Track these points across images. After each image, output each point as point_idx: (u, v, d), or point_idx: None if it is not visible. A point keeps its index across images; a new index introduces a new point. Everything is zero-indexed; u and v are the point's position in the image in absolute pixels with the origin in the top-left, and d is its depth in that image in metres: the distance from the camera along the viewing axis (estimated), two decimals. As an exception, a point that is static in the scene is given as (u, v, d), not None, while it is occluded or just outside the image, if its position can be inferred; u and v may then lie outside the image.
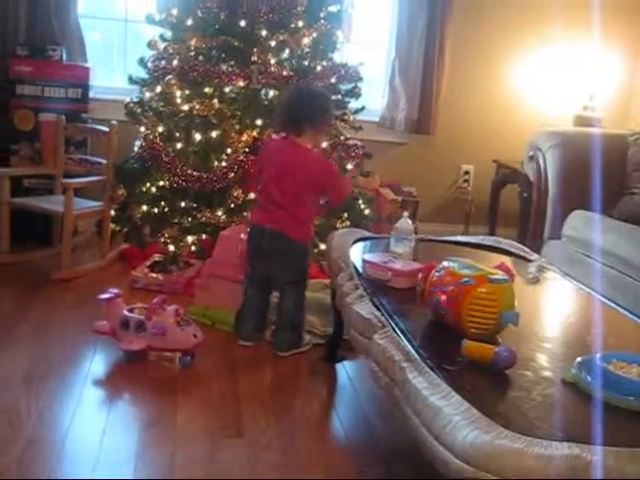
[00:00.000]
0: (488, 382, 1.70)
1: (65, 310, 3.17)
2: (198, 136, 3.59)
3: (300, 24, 3.69)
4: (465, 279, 1.93)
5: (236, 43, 3.63)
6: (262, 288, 2.98)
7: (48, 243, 3.96)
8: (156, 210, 3.65)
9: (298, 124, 2.83)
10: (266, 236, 2.85)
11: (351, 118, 3.89)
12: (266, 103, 3.64)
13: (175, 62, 3.61)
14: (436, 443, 1.48)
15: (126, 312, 2.76)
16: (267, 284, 2.98)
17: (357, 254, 2.62)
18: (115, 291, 2.82)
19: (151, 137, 3.57)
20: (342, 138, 3.83)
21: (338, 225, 3.68)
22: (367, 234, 3.00)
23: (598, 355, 1.71)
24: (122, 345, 2.70)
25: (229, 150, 3.55)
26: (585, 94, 4.69)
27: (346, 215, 3.77)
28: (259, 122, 3.57)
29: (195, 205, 3.61)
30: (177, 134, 3.63)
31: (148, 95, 3.74)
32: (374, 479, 2.12)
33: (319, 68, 3.72)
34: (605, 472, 1.33)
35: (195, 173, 3.51)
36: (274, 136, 3.27)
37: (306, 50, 3.75)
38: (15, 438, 2.11)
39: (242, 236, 3.10)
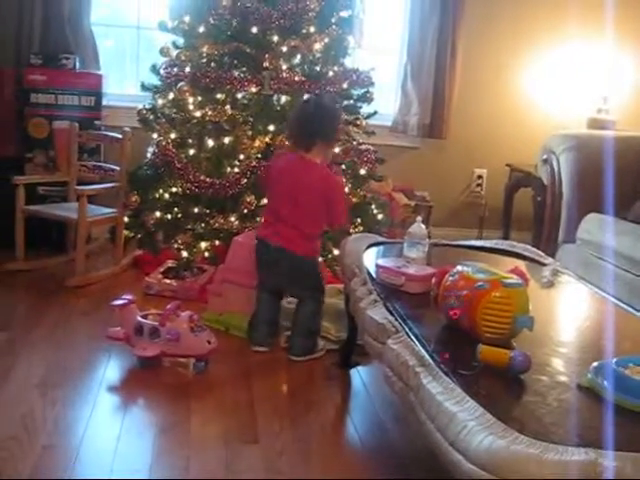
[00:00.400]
0: (503, 387, 1.69)
1: (79, 316, 3.18)
2: (211, 142, 3.60)
3: (312, 30, 3.69)
4: (479, 283, 1.92)
5: (248, 49, 3.63)
6: (274, 293, 3.00)
7: (62, 250, 3.98)
8: (169, 216, 3.66)
9: (308, 139, 2.84)
10: (272, 252, 2.87)
11: (363, 123, 3.88)
12: (278, 109, 3.64)
13: (187, 69, 3.62)
14: (451, 449, 1.47)
15: (140, 318, 2.77)
16: (279, 290, 3.01)
17: (370, 259, 2.62)
18: (129, 297, 2.83)
19: (164, 144, 3.58)
20: (354, 143, 3.82)
21: (351, 230, 3.67)
22: (380, 239, 2.99)
23: (614, 359, 1.69)
24: (136, 351, 2.70)
25: (242, 156, 3.56)
26: (599, 97, 4.67)
27: (359, 220, 3.76)
28: (271, 128, 3.58)
29: (208, 211, 3.62)
30: (190, 140, 3.65)
31: (161, 102, 3.75)
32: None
33: (331, 73, 3.72)
34: (621, 477, 1.32)
35: (208, 179, 3.51)
36: (285, 148, 3.28)
37: (318, 55, 3.75)
38: (31, 444, 2.12)
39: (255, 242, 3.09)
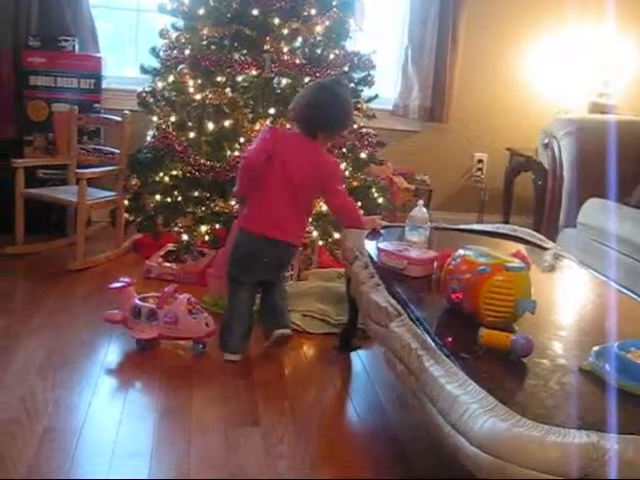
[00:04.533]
0: (505, 370, 1.69)
1: (80, 300, 3.19)
2: (211, 125, 3.57)
3: (312, 12, 3.66)
4: (481, 267, 1.92)
5: (248, 32, 3.61)
6: (253, 291, 2.79)
7: (62, 233, 3.98)
8: (169, 200, 3.65)
9: (313, 129, 2.67)
10: (270, 247, 2.66)
11: (364, 106, 3.86)
12: (279, 92, 3.62)
13: (187, 51, 3.60)
14: (453, 432, 1.48)
15: (137, 301, 2.77)
16: (256, 285, 2.81)
17: (372, 243, 2.62)
18: (126, 280, 2.83)
19: (164, 127, 3.56)
20: (355, 126, 3.80)
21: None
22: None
23: (615, 343, 1.69)
24: (134, 333, 2.71)
25: (242, 139, 3.54)
26: (600, 81, 4.64)
27: (360, 204, 3.75)
28: (272, 111, 3.56)
29: (208, 194, 3.60)
30: (190, 123, 3.62)
31: (160, 85, 3.72)
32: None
33: (332, 56, 3.69)
34: (622, 460, 1.32)
35: (208, 162, 3.50)
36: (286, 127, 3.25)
37: (319, 38, 3.72)
38: (32, 427, 2.12)
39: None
